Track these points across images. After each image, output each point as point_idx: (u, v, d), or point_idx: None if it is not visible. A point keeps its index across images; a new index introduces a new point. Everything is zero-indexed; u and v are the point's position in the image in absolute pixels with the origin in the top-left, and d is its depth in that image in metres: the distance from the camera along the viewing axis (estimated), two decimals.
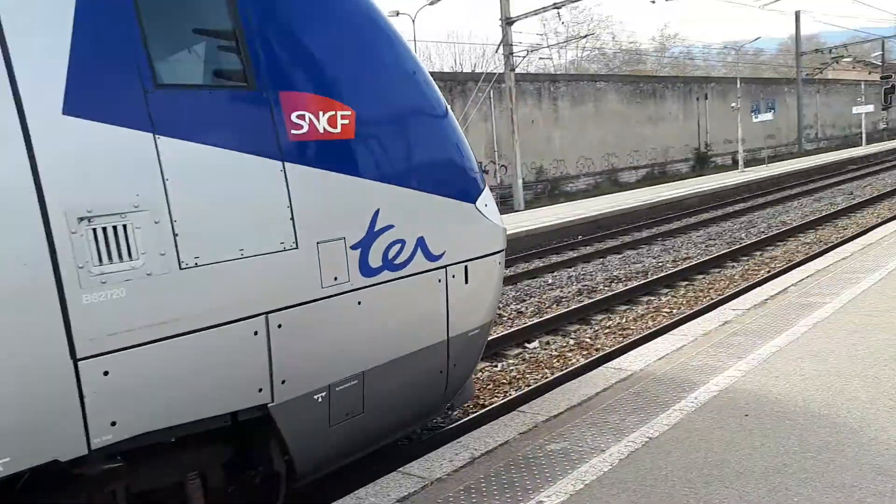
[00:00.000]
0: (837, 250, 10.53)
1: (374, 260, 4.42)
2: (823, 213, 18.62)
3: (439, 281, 4.84)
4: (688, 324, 7.26)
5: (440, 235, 4.81)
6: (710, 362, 5.85)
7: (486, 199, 5.27)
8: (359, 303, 4.35)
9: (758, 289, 8.55)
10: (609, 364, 6.09)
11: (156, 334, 3.50)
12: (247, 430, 4.15)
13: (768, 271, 11.86)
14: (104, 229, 3.33)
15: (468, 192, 5.09)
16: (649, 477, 3.96)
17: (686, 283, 11.82)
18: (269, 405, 4.01)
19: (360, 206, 4.35)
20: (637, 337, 8.50)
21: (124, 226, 3.38)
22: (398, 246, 4.56)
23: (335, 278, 4.21)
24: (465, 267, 5.02)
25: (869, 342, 5.90)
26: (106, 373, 3.35)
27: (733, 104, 37.90)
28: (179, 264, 3.55)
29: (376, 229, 4.42)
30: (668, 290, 11.38)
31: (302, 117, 4.09)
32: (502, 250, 5.39)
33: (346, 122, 4.31)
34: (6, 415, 3.12)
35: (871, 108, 49.18)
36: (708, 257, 13.43)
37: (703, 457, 4.15)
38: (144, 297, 3.44)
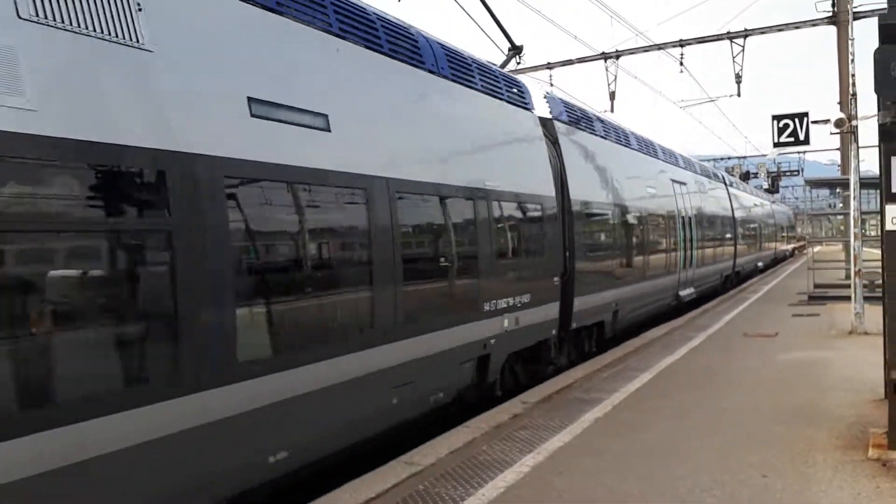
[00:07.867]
0: (613, 349, 11.39)
1: None
2: None
3: None
4: (481, 415, 7.32)
5: None
6: (500, 457, 5.88)
7: None
8: None
9: (545, 382, 8.91)
10: (401, 458, 5.90)
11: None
12: None
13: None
14: None
15: None
16: None
17: None
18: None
19: None
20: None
21: None
22: None
23: None
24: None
25: (642, 439, 6.29)
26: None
27: None
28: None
29: None
30: None
31: None
32: None
33: None
34: None
35: None
36: None
37: None
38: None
